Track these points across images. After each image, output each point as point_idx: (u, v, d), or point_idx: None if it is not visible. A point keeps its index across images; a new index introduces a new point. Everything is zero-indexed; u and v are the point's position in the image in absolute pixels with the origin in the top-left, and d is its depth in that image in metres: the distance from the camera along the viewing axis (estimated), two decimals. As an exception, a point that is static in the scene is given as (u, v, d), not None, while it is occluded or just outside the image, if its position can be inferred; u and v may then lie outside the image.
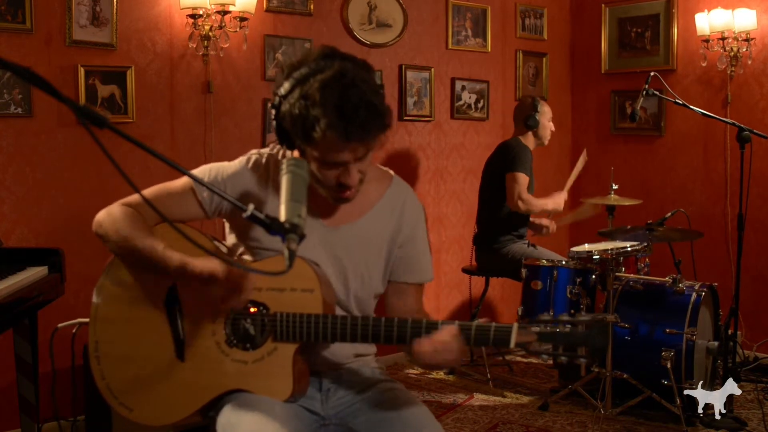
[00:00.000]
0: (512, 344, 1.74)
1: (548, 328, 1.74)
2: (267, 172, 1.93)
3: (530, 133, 4.46)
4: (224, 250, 1.98)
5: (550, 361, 1.80)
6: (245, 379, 1.83)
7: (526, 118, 4.44)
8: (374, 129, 1.74)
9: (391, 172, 2.05)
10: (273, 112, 1.83)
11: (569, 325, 1.73)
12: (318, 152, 1.76)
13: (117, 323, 1.92)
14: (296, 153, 1.88)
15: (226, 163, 1.96)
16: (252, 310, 1.85)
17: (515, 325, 1.74)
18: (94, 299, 1.94)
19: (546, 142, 4.55)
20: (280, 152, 1.96)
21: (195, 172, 1.94)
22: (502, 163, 4.38)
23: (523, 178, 4.28)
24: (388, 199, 1.99)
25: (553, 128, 4.55)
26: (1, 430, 3.36)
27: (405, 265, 2.01)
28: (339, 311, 1.95)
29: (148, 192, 1.92)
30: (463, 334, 1.75)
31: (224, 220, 2.01)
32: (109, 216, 1.89)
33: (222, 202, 1.92)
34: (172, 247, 1.83)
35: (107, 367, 1.91)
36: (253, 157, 1.96)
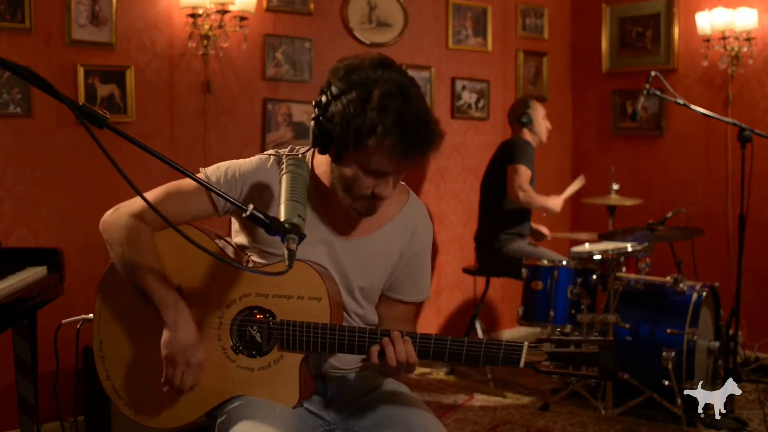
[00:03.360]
0: (522, 364, 1.73)
1: (559, 348, 1.72)
2: (277, 174, 1.88)
3: (527, 131, 4.47)
4: (230, 249, 1.97)
5: (554, 379, 1.79)
6: (251, 386, 1.82)
7: (519, 117, 4.47)
8: (429, 148, 1.72)
9: (409, 189, 2.02)
10: (315, 111, 1.76)
11: (580, 345, 1.72)
12: (365, 158, 1.72)
13: (122, 324, 1.91)
14: (325, 158, 1.82)
15: (243, 161, 1.92)
16: (258, 316, 1.83)
17: (525, 344, 1.73)
18: (99, 298, 1.92)
19: (544, 139, 4.54)
20: (300, 153, 1.91)
21: (211, 168, 1.90)
22: (505, 158, 4.39)
23: (524, 170, 4.28)
24: (404, 217, 1.96)
25: (549, 126, 4.55)
26: (0, 430, 3.35)
27: (406, 283, 2.00)
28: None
29: (159, 190, 1.87)
30: (473, 352, 1.74)
31: (232, 218, 1.98)
32: (117, 229, 1.84)
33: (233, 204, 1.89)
34: (178, 253, 1.83)
35: (112, 367, 1.90)
36: (272, 157, 1.91)
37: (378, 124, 1.66)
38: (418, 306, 2.09)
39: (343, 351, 1.80)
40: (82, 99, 3.50)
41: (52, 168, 3.50)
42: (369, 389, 1.95)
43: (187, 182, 1.88)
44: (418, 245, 1.98)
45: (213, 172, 1.89)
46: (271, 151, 1.94)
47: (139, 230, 1.84)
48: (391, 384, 1.98)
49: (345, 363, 1.95)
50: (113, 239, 1.84)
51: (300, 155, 1.89)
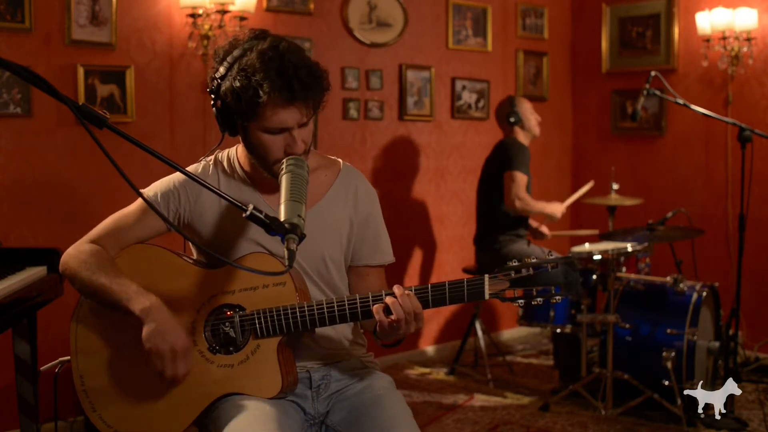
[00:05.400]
0: (487, 295, 1.76)
1: (518, 273, 1.75)
2: (217, 175, 1.97)
3: (518, 129, 4.44)
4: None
5: (520, 304, 1.79)
6: (234, 382, 1.83)
7: (507, 117, 4.43)
8: (316, 87, 1.81)
9: (340, 159, 2.07)
10: (211, 98, 1.86)
11: (539, 268, 1.74)
12: (262, 120, 1.79)
13: (98, 353, 1.91)
14: (240, 149, 1.92)
15: (173, 176, 1.98)
16: (228, 313, 1.85)
17: (486, 276, 1.76)
18: (72, 333, 1.93)
19: (537, 133, 4.50)
20: (226, 153, 2.00)
21: (148, 189, 1.97)
22: (500, 162, 4.37)
23: (521, 177, 4.27)
24: (340, 185, 2.01)
25: (539, 118, 4.50)
26: (0, 430, 3.35)
27: (364, 248, 2.02)
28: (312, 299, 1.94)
29: (107, 222, 1.95)
30: (438, 295, 1.78)
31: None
32: (76, 256, 1.89)
33: (178, 211, 1.94)
34: (139, 271, 1.87)
35: (96, 398, 1.90)
36: (202, 164, 2.00)
37: (262, 82, 1.75)
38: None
39: (315, 325, 1.82)
40: (82, 99, 3.50)
41: (52, 168, 3.50)
42: (353, 381, 1.97)
43: (131, 207, 1.96)
44: (364, 208, 2.02)
45: (151, 188, 1.97)
46: (201, 159, 2.02)
47: (99, 252, 1.89)
48: (373, 377, 1.99)
49: (327, 349, 1.96)
50: (74, 269, 1.88)
51: (225, 154, 1.99)
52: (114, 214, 1.97)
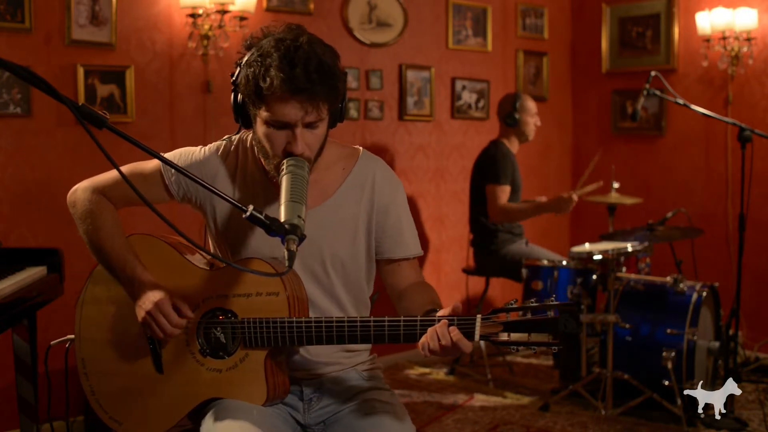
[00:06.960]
0: (477, 337, 1.64)
1: (514, 316, 1.62)
2: (236, 159, 1.92)
3: (512, 131, 4.42)
4: (198, 258, 1.97)
5: (513, 350, 1.66)
6: (221, 387, 1.83)
7: (506, 116, 4.40)
8: (321, 85, 1.71)
9: (360, 148, 1.99)
10: (233, 87, 1.82)
11: (538, 312, 1.61)
12: (267, 109, 1.73)
13: (100, 340, 1.94)
14: (255, 133, 1.85)
15: (195, 149, 1.95)
16: (221, 317, 1.84)
17: (479, 317, 1.64)
18: (77, 318, 1.96)
19: (530, 138, 4.47)
20: (248, 136, 1.93)
21: (169, 154, 1.93)
22: (483, 174, 4.37)
23: (501, 190, 4.26)
24: (357, 174, 1.93)
25: (538, 123, 4.46)
26: (0, 430, 3.35)
27: (388, 240, 1.94)
28: (327, 299, 1.91)
29: (117, 175, 1.86)
30: (425, 329, 1.67)
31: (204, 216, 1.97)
32: (86, 201, 1.91)
33: (187, 193, 1.92)
34: (149, 254, 1.89)
35: (95, 383, 1.94)
36: (223, 144, 1.95)
37: (270, 67, 1.69)
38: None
39: (302, 343, 1.78)
40: (81, 99, 3.50)
41: (52, 168, 3.50)
42: (349, 395, 1.91)
43: (147, 165, 1.93)
44: (383, 198, 1.93)
45: (172, 155, 1.94)
46: (225, 138, 1.97)
47: (103, 208, 1.91)
48: (371, 390, 1.92)
49: (318, 362, 1.91)
50: (78, 214, 1.93)
51: (247, 138, 1.93)
52: (132, 164, 1.93)
